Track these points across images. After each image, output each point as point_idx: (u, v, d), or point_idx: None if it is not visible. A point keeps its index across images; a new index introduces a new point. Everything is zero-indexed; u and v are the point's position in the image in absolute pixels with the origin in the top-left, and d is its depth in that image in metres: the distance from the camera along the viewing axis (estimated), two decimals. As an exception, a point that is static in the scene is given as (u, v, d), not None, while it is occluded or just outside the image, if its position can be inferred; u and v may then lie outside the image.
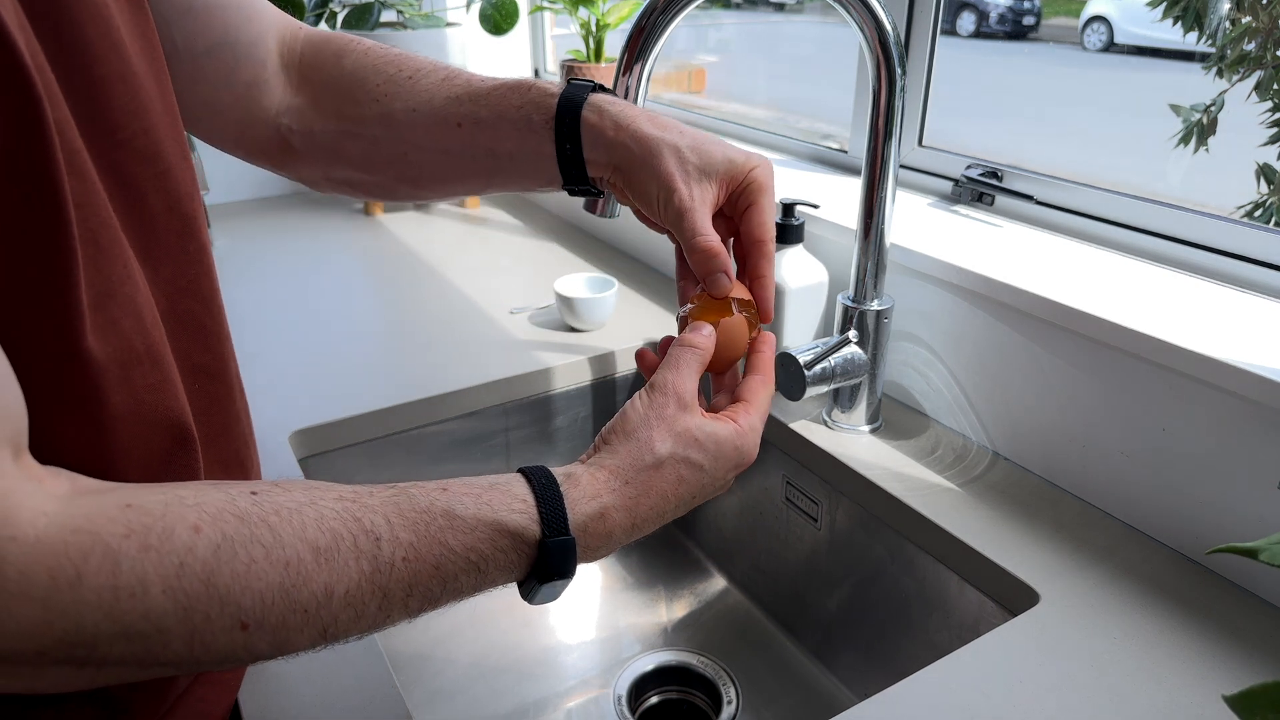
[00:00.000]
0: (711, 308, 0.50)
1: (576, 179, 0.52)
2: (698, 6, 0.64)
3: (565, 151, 0.51)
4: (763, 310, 0.51)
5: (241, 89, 0.55)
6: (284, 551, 0.35)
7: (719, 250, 0.49)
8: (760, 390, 0.49)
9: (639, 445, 0.44)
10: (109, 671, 0.34)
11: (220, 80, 0.54)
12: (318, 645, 0.37)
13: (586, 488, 0.43)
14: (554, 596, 0.43)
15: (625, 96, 0.65)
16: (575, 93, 0.51)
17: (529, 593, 0.43)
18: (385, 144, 0.55)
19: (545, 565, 0.41)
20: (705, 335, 0.49)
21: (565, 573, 0.42)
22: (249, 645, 0.35)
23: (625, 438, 0.45)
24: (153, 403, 0.40)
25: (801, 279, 0.84)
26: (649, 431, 0.45)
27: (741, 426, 0.47)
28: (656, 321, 1.04)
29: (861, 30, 0.68)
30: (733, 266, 0.50)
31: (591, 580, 0.98)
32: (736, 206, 0.51)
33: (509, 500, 0.41)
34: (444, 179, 0.56)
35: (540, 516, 0.41)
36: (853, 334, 0.78)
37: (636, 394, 0.47)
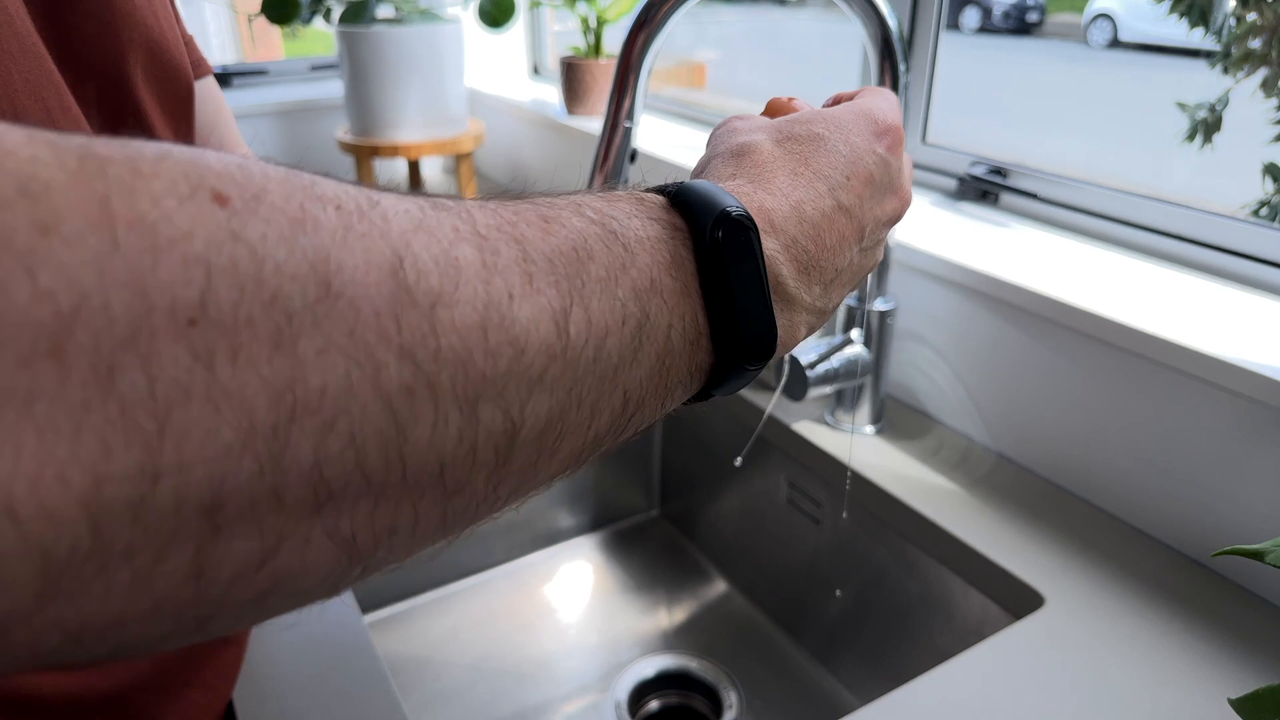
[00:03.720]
0: None
1: None
2: (698, 1, 0.63)
3: None
4: None
5: None
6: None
7: None
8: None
9: (721, 147, 0.35)
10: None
11: None
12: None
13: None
14: (761, 305, 0.29)
15: (625, 92, 0.64)
16: None
17: (718, 296, 0.28)
18: None
19: (699, 216, 0.28)
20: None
21: (741, 234, 0.28)
22: None
23: (704, 163, 0.35)
24: None
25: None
26: (727, 135, 0.36)
27: (852, 98, 0.38)
28: (657, 320, 1.03)
29: (864, 26, 0.67)
30: None
31: (591, 583, 0.97)
32: None
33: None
34: None
35: (669, 191, 0.30)
36: (856, 334, 0.77)
37: None
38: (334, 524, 0.19)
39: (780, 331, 0.31)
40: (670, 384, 0.28)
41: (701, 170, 0.35)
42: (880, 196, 0.36)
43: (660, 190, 0.30)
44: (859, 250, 0.35)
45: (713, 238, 0.28)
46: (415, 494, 0.21)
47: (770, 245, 0.30)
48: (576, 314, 0.24)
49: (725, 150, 0.34)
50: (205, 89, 0.56)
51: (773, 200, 0.32)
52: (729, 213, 0.28)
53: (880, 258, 0.38)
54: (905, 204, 0.38)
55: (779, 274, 0.31)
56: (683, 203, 0.29)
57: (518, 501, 0.26)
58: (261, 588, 0.19)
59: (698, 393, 0.30)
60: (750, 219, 0.29)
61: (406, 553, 0.23)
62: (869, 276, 0.76)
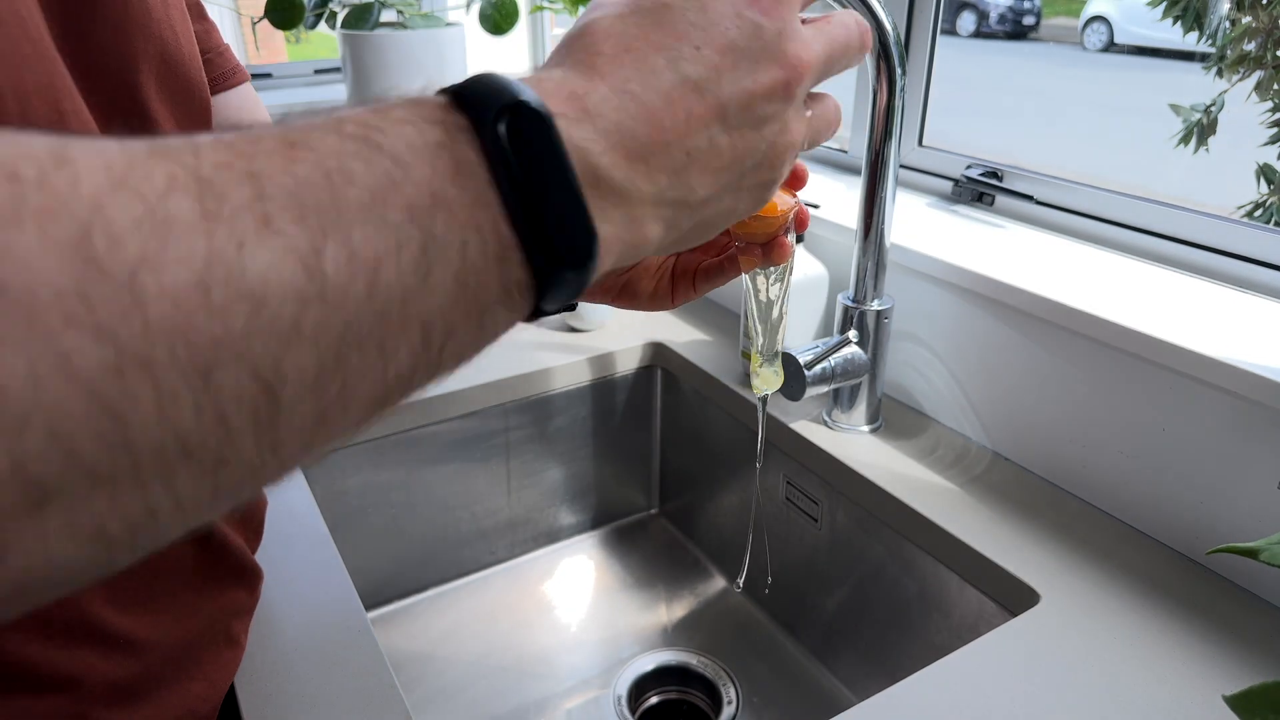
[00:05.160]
0: None
1: None
2: (698, 6, 0.64)
3: None
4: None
5: None
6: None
7: None
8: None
9: (568, 33, 0.31)
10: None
11: None
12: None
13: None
14: (578, 218, 0.26)
15: None
16: None
17: (529, 213, 0.25)
18: None
19: (491, 113, 0.24)
20: None
21: (539, 128, 0.25)
22: None
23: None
24: None
25: (802, 279, 0.84)
26: (580, 17, 0.31)
27: None
28: (657, 321, 1.04)
29: (862, 30, 0.68)
30: None
31: (591, 581, 0.98)
32: None
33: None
34: None
35: (452, 89, 0.26)
36: (853, 334, 0.78)
37: None
38: (68, 519, 0.18)
39: (616, 228, 0.27)
40: (483, 305, 0.25)
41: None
42: (749, 66, 0.30)
43: (445, 90, 0.26)
44: (725, 130, 0.30)
45: (497, 133, 0.24)
46: (162, 475, 0.19)
47: (583, 133, 0.26)
48: (333, 250, 0.21)
49: (566, 36, 0.30)
50: (242, 96, 0.57)
51: (590, 83, 0.27)
52: (518, 102, 0.24)
53: (792, 137, 0.33)
54: (796, 71, 0.31)
55: (597, 165, 0.27)
56: (464, 98, 0.25)
57: (320, 457, 0.23)
58: (5, 590, 0.18)
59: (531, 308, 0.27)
60: (542, 108, 0.25)
61: (181, 528, 0.21)
62: (867, 277, 0.76)
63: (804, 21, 0.33)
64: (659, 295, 0.52)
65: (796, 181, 0.46)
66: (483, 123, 0.24)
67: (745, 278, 0.49)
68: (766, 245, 0.46)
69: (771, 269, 0.48)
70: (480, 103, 0.24)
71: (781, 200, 0.45)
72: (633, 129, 0.27)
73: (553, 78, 0.27)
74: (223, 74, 0.55)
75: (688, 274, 0.52)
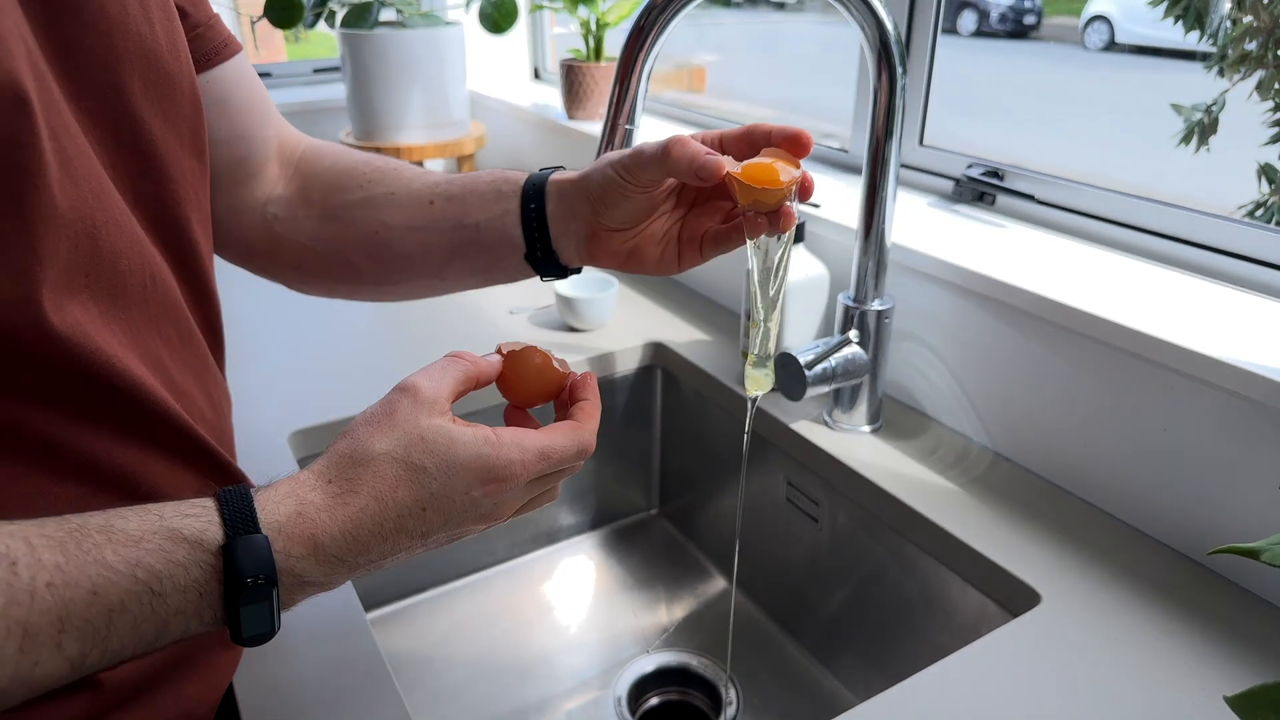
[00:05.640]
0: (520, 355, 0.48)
1: (540, 244, 0.53)
2: (698, 5, 0.63)
3: (529, 210, 0.53)
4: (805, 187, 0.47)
5: (242, 177, 0.59)
6: None
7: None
8: (559, 430, 0.44)
9: (353, 441, 0.40)
10: None
11: (225, 167, 0.57)
12: None
13: (282, 488, 0.39)
14: (268, 627, 0.38)
15: (625, 95, 0.65)
16: (547, 171, 0.54)
17: (233, 622, 0.37)
18: (360, 224, 0.58)
19: (236, 576, 0.36)
20: (485, 357, 0.46)
21: (264, 587, 0.36)
22: None
23: (344, 436, 0.41)
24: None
25: (802, 278, 0.84)
26: (370, 428, 0.40)
27: (498, 438, 0.41)
28: (657, 321, 1.04)
29: (862, 29, 0.68)
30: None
31: (591, 581, 0.98)
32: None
33: (183, 507, 0.37)
34: (409, 256, 0.57)
35: (223, 518, 0.36)
36: (854, 334, 0.77)
37: None
38: None
39: (308, 596, 0.39)
40: (194, 636, 0.37)
41: (343, 438, 0.41)
42: (458, 522, 0.41)
43: (232, 517, 0.36)
44: (425, 546, 0.42)
45: (240, 591, 0.36)
46: None
47: (304, 566, 0.38)
48: (94, 654, 0.34)
49: (349, 448, 0.40)
50: (237, 70, 0.56)
51: (333, 526, 0.38)
52: (269, 577, 0.36)
53: (489, 526, 0.44)
54: (498, 521, 0.43)
55: (305, 579, 0.38)
56: (232, 552, 0.36)
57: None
58: None
59: None
60: (272, 582, 0.36)
61: None
62: (868, 277, 0.76)
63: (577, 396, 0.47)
64: (665, 261, 0.53)
65: (800, 150, 0.47)
66: (230, 582, 0.36)
67: (749, 256, 0.49)
68: (772, 214, 0.47)
69: (776, 239, 0.48)
70: (241, 566, 0.36)
71: (785, 171, 0.46)
72: (344, 557, 0.39)
73: (307, 511, 0.38)
74: (214, 48, 0.54)
75: (694, 241, 0.52)
